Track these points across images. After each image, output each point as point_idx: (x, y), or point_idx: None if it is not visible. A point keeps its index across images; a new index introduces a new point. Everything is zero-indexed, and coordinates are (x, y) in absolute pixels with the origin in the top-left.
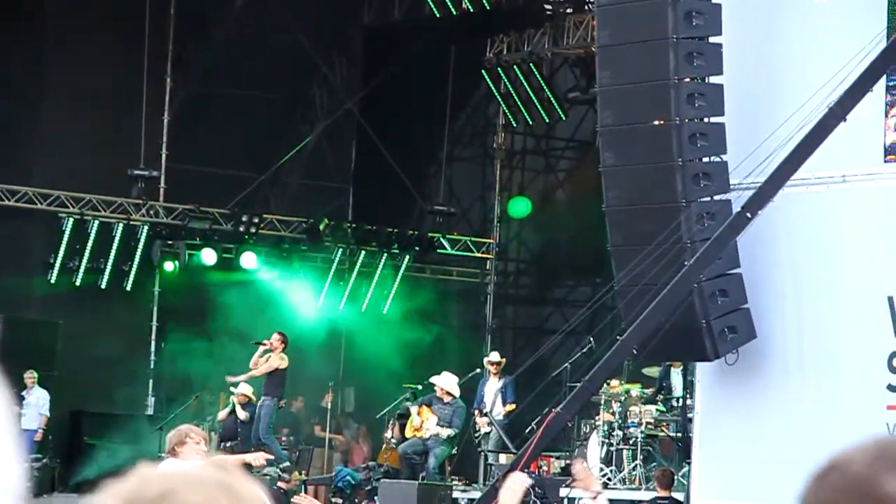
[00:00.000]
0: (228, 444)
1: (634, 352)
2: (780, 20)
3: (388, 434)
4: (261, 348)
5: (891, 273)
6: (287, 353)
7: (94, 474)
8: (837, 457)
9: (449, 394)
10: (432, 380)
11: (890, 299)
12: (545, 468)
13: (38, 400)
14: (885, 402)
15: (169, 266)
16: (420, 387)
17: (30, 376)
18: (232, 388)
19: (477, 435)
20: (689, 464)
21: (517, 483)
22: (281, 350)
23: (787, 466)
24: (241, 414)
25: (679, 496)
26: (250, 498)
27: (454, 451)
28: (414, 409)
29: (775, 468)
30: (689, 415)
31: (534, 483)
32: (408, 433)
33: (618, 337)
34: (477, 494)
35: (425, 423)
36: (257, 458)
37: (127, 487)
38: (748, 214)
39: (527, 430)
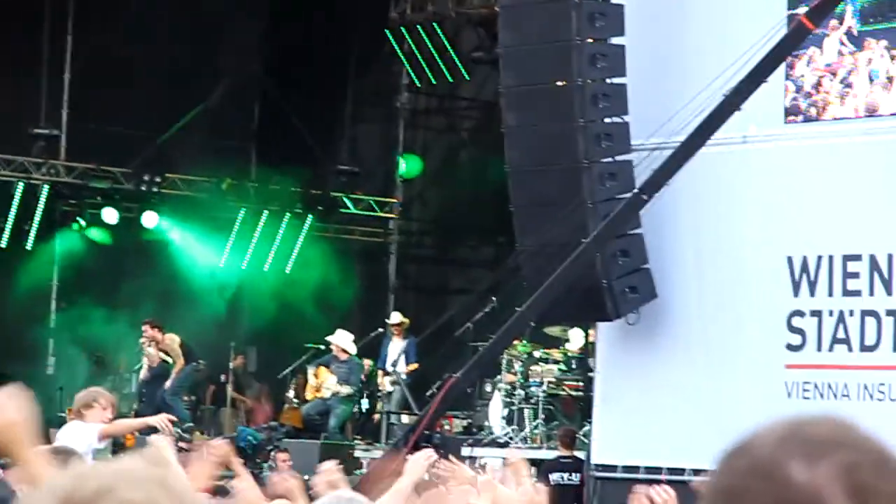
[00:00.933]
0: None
1: (532, 323)
2: None
3: (291, 394)
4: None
5: (790, 233)
6: (172, 324)
7: None
8: (744, 439)
9: (345, 351)
10: (328, 338)
11: (789, 259)
12: (448, 427)
13: None
14: (784, 362)
15: (70, 225)
16: (322, 347)
17: None
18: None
19: (380, 394)
20: (590, 423)
21: (424, 457)
22: (161, 336)
23: (687, 426)
24: (143, 373)
25: (581, 455)
26: (187, 495)
27: (355, 410)
28: (311, 370)
29: (676, 428)
30: (590, 374)
31: (436, 444)
32: (308, 396)
33: (516, 309)
34: (379, 454)
35: (324, 384)
36: (160, 419)
37: (62, 485)
38: (644, 196)
39: (428, 393)
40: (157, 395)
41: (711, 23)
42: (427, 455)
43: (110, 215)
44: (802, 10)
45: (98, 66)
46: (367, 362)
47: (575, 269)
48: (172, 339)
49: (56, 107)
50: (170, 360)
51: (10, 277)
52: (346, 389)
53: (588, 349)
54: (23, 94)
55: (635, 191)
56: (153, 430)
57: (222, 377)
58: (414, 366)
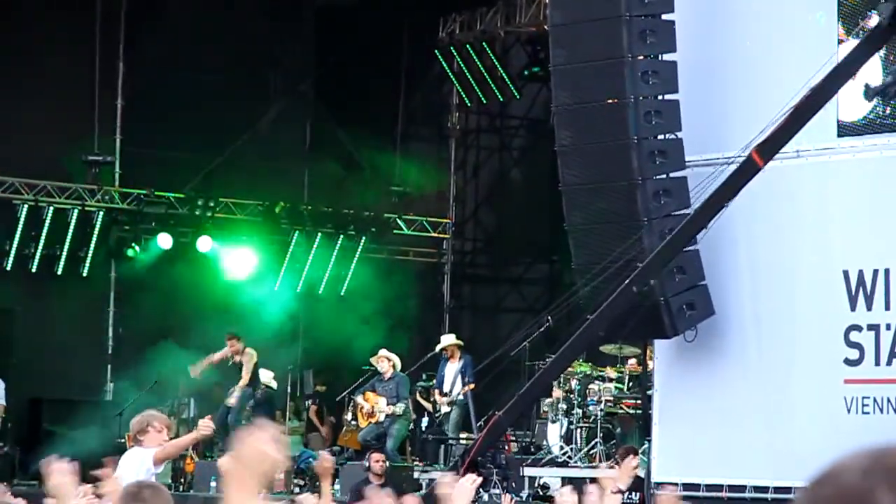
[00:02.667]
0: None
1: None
2: None
3: (349, 416)
4: (218, 357)
5: (846, 247)
6: (245, 342)
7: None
8: (828, 468)
9: (392, 366)
10: (371, 360)
11: (845, 273)
12: (506, 447)
13: None
14: (843, 377)
15: (125, 251)
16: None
17: None
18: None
19: (438, 415)
20: (649, 441)
21: (469, 481)
22: (243, 349)
23: (746, 443)
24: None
25: (641, 473)
26: None
27: (411, 427)
28: (360, 399)
29: (735, 444)
30: (649, 392)
31: (500, 465)
32: (362, 424)
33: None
34: (437, 475)
35: (376, 408)
36: (204, 425)
37: None
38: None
39: (477, 424)
40: (226, 416)
41: (763, 37)
42: (472, 479)
43: (165, 240)
44: (851, 41)
45: (149, 92)
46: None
47: (616, 306)
48: (251, 356)
49: (109, 133)
50: (273, 385)
51: (66, 304)
52: (398, 407)
53: (644, 367)
54: (76, 121)
55: (669, 237)
56: (208, 444)
57: (307, 402)
58: (470, 386)
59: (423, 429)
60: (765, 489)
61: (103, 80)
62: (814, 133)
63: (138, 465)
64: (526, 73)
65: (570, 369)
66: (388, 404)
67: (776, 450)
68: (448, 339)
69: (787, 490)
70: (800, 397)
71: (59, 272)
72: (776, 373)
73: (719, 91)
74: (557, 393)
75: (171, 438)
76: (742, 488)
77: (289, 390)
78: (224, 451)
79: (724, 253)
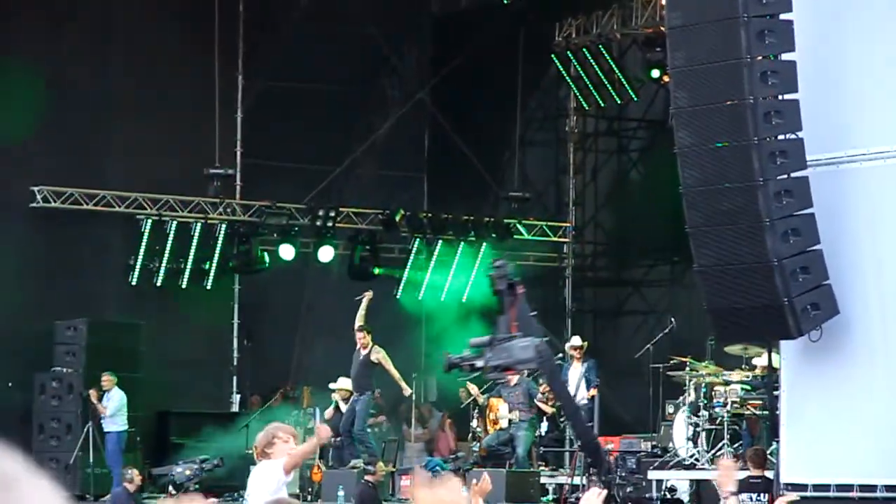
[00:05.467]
0: (335, 440)
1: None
2: None
3: (474, 423)
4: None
5: None
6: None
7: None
8: None
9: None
10: None
11: None
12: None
13: (116, 402)
14: None
15: (248, 263)
16: None
17: (107, 379)
18: (330, 385)
19: (562, 421)
20: (777, 442)
21: (595, 495)
22: (371, 344)
23: (876, 442)
24: (344, 408)
25: (770, 475)
26: None
27: (537, 434)
28: (486, 405)
29: (865, 444)
30: (776, 393)
31: (632, 469)
32: (490, 430)
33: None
34: (564, 479)
35: (498, 415)
36: (322, 431)
37: None
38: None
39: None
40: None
41: (883, 32)
42: (598, 493)
43: (287, 251)
44: None
45: (268, 104)
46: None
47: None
48: (378, 352)
49: (230, 146)
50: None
51: (191, 317)
52: (514, 414)
53: (770, 367)
54: (197, 135)
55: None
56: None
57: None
58: (594, 391)
59: (544, 433)
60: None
61: (223, 93)
62: None
63: (269, 477)
64: (643, 75)
65: (695, 371)
66: (510, 410)
67: None
68: (576, 341)
69: None
70: None
71: (184, 286)
72: None
73: (839, 89)
74: (691, 396)
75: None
76: (873, 488)
77: (413, 397)
78: (351, 458)
79: (848, 252)
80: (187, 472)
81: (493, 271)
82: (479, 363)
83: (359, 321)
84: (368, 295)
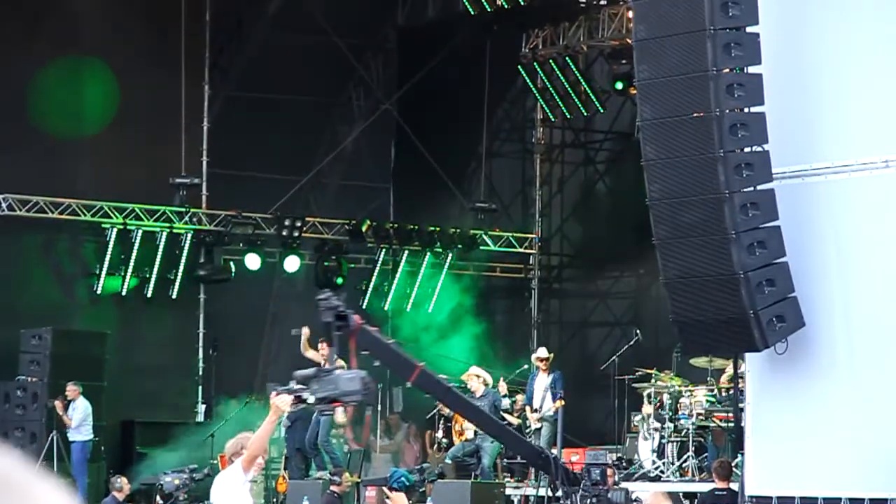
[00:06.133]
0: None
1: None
2: (814, 6)
3: (439, 434)
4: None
5: None
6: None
7: (147, 483)
8: None
9: (484, 383)
10: (463, 377)
11: None
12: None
13: (81, 412)
14: None
15: (213, 272)
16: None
17: (72, 389)
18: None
19: (528, 431)
20: (742, 454)
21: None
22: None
23: (842, 454)
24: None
25: (735, 487)
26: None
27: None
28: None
29: (830, 456)
30: (740, 405)
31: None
32: (455, 441)
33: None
34: (530, 491)
35: (464, 425)
36: (279, 402)
37: None
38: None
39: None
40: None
41: (849, 47)
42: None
43: (253, 261)
44: None
45: (234, 113)
46: (520, 398)
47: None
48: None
49: (196, 155)
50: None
51: (156, 327)
52: None
53: (735, 380)
54: (163, 144)
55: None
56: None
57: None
58: (560, 402)
59: None
60: (860, 501)
61: (189, 102)
62: None
63: (230, 480)
64: (609, 87)
65: (661, 383)
66: None
67: (870, 461)
68: (543, 352)
69: (883, 501)
70: (893, 407)
71: (150, 295)
72: (869, 383)
73: (805, 102)
74: (648, 408)
75: (265, 461)
76: (837, 500)
77: (379, 408)
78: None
79: (813, 265)
80: (176, 482)
81: (319, 303)
82: (306, 395)
83: (306, 352)
84: (305, 332)
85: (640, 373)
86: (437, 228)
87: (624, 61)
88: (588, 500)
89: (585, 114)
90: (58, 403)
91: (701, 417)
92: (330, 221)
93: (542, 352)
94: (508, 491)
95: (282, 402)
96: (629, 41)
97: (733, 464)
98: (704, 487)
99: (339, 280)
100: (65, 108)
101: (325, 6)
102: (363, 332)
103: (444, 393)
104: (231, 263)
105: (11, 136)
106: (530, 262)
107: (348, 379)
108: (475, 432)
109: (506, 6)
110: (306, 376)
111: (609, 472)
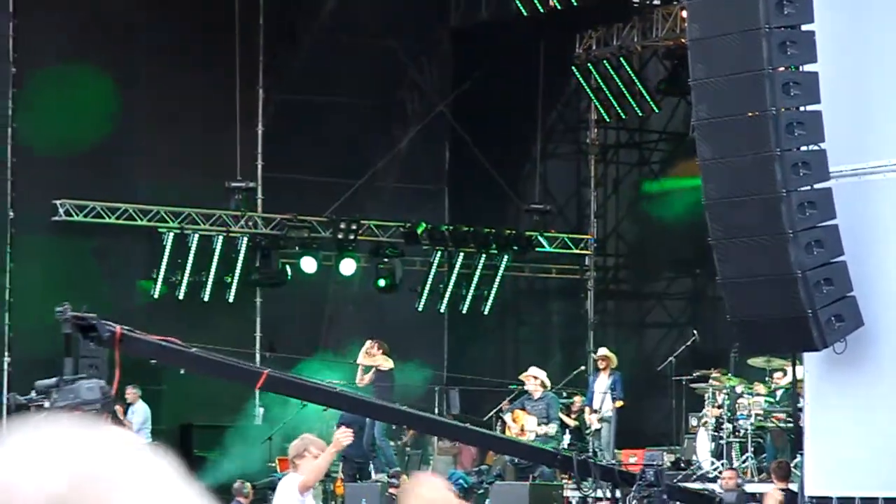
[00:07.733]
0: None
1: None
2: (869, 2)
3: None
4: (361, 366)
5: None
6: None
7: (206, 487)
8: None
9: (542, 385)
10: (521, 377)
11: None
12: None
13: (140, 416)
14: None
15: (269, 275)
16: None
17: (132, 392)
18: None
19: (589, 432)
20: (801, 454)
21: None
22: (381, 353)
23: None
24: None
25: (794, 487)
26: None
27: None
28: (508, 418)
29: (889, 458)
30: (798, 405)
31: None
32: None
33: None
34: (588, 493)
35: (525, 427)
36: (341, 436)
37: None
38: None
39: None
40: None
41: None
42: None
43: (309, 264)
44: None
45: (289, 117)
46: (578, 399)
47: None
48: (386, 360)
49: (251, 159)
50: None
51: (213, 331)
52: (550, 428)
53: (794, 380)
54: (218, 149)
55: None
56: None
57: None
58: (619, 403)
59: (567, 446)
60: None
61: (244, 106)
62: None
63: (287, 495)
64: (663, 86)
65: (718, 384)
66: (538, 424)
67: None
68: (603, 351)
69: None
70: None
71: (206, 299)
72: None
73: (862, 100)
74: (714, 411)
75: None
76: None
77: (436, 410)
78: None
79: (872, 262)
80: None
81: (57, 314)
82: (46, 405)
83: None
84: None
85: (697, 373)
86: (493, 230)
87: (678, 61)
88: (644, 501)
89: (640, 114)
90: (117, 407)
91: (759, 418)
92: (385, 224)
93: (603, 350)
94: (567, 493)
95: (343, 437)
96: (683, 41)
97: (792, 464)
98: (765, 488)
99: (392, 282)
100: (120, 114)
101: (379, 9)
102: (129, 340)
103: (298, 389)
104: (287, 267)
105: (68, 140)
106: (586, 262)
107: (88, 388)
108: (536, 435)
109: (559, 7)
110: (48, 385)
111: (729, 474)
